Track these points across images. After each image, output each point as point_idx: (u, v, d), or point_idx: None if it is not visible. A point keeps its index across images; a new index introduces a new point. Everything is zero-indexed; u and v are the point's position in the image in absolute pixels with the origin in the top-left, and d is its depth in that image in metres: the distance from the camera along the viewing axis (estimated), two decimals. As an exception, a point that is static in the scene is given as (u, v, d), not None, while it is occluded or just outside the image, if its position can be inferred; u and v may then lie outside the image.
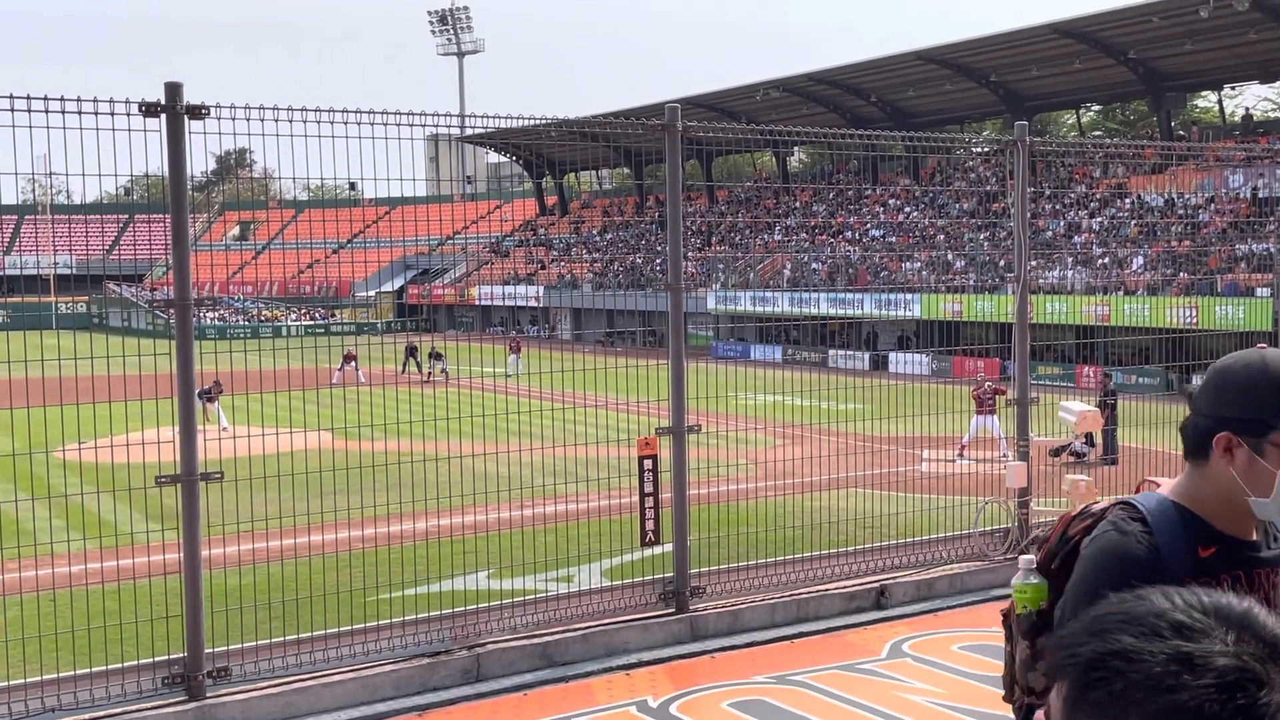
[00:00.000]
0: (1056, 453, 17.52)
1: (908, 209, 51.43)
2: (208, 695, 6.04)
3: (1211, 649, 1.19)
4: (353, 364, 30.29)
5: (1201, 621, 1.22)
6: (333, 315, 61.34)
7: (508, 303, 60.80)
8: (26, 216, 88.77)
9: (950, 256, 43.10)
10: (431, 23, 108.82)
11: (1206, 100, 57.83)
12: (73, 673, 5.99)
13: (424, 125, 7.02)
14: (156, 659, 6.19)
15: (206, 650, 6.14)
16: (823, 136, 9.56)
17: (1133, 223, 39.60)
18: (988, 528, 8.75)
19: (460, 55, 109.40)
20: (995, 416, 19.68)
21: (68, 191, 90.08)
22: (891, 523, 10.13)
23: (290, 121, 6.44)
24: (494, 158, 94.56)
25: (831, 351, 40.25)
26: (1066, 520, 2.36)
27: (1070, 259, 38.29)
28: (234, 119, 6.24)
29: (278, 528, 7.82)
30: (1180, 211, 38.68)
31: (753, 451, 16.95)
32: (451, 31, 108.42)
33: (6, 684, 5.88)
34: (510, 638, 6.82)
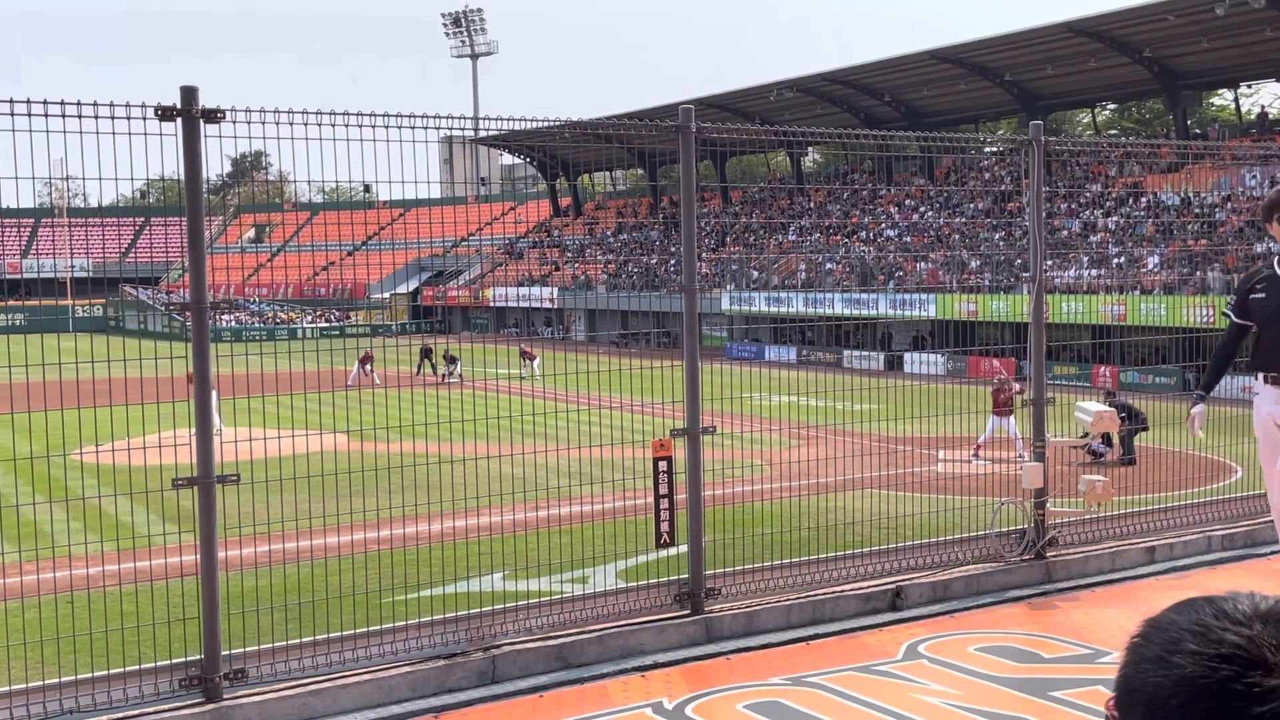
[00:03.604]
0: (1077, 448, 17.44)
1: (922, 209, 51.32)
2: (225, 697, 6.05)
3: (1228, 627, 1.19)
4: (368, 366, 30.36)
5: (1244, 611, 1.22)
6: (348, 317, 61.51)
7: (522, 304, 60.89)
8: (43, 220, 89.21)
9: (965, 256, 43.00)
10: (445, 25, 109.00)
11: (1222, 98, 57.58)
12: (90, 674, 6.01)
13: (438, 127, 7.02)
14: (174, 661, 6.21)
15: (223, 652, 6.15)
16: (837, 136, 9.54)
17: (1149, 222, 39.45)
18: (1004, 529, 8.72)
19: (474, 57, 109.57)
20: (1012, 417, 19.64)
21: (84, 195, 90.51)
22: (907, 524, 10.10)
23: (305, 124, 6.45)
24: (508, 159, 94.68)
25: (846, 352, 40.18)
26: None
27: (1086, 258, 38.16)
28: (249, 122, 6.25)
29: (294, 530, 7.85)
30: (1196, 210, 38.52)
31: (768, 452, 16.93)
32: (465, 34, 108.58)
33: (25, 686, 5.91)
34: (526, 639, 6.82)
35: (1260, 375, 7.16)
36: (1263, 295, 7.09)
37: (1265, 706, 1.13)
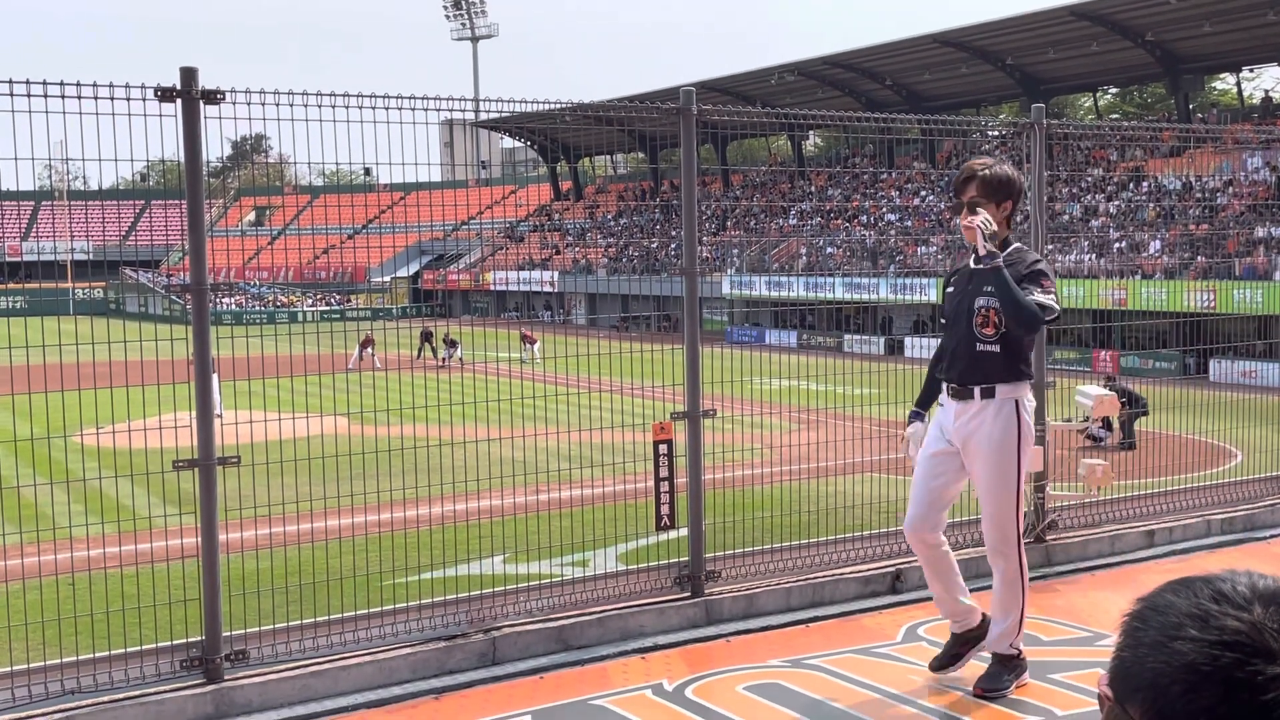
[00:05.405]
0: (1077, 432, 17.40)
1: (924, 193, 51.26)
2: (226, 678, 6.07)
3: (1229, 611, 1.18)
4: (369, 349, 30.37)
5: (1243, 593, 1.21)
6: (348, 301, 61.48)
7: (523, 288, 60.86)
8: (44, 202, 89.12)
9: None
10: (445, 7, 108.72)
11: (1224, 83, 57.44)
12: (91, 655, 6.03)
13: (438, 110, 6.99)
14: (175, 642, 6.22)
15: (224, 633, 6.16)
16: (838, 120, 9.51)
17: (1150, 206, 39.40)
18: (1003, 512, 8.71)
19: (474, 40, 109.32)
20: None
21: (84, 177, 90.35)
22: (906, 507, 10.09)
23: (305, 106, 6.43)
24: (508, 143, 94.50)
25: (847, 336, 40.18)
26: None
27: (1087, 243, 38.12)
28: (249, 104, 6.22)
29: (294, 512, 7.86)
30: (1198, 195, 38.46)
31: (768, 436, 16.94)
32: (465, 16, 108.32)
33: (27, 666, 5.93)
34: (526, 621, 6.84)
35: (945, 385, 6.12)
36: (953, 290, 6.16)
37: (1269, 694, 1.12)
